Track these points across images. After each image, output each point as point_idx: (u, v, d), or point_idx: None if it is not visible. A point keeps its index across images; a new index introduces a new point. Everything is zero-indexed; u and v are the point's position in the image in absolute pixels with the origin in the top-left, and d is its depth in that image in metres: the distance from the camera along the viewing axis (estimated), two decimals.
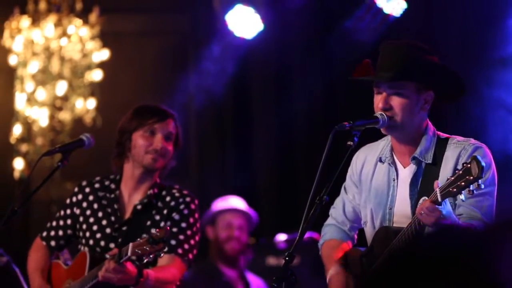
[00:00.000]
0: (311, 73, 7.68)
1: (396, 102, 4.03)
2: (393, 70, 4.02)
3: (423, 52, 4.09)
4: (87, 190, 4.98)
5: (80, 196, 4.98)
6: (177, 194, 4.85)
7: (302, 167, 7.74)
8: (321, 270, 4.33)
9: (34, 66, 8.29)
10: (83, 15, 8.35)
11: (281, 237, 7.20)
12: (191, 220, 4.81)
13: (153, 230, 4.33)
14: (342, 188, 4.39)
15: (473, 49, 6.56)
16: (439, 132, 4.16)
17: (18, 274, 4.96)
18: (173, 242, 4.70)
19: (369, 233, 4.23)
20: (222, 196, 7.28)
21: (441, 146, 4.08)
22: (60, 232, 4.98)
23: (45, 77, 8.29)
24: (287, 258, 3.77)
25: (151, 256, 4.30)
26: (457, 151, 4.03)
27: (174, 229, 4.76)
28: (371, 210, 4.20)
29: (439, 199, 3.73)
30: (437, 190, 3.73)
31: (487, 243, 1.97)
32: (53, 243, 4.98)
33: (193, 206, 4.84)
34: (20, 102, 8.29)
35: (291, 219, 6.89)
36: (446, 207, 3.77)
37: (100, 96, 8.24)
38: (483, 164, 3.62)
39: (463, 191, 3.66)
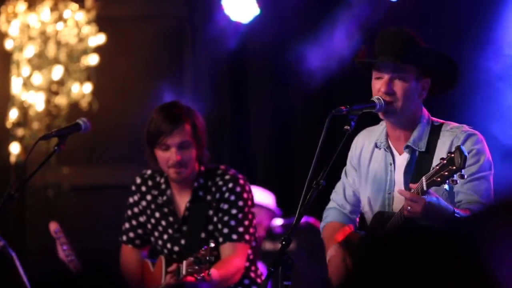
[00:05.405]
0: (308, 58, 7.66)
1: (399, 86, 4.02)
2: (397, 53, 4.01)
3: (419, 39, 4.10)
4: (143, 189, 5.07)
5: (138, 196, 5.08)
6: (220, 183, 4.90)
7: (299, 152, 7.73)
8: (318, 254, 4.33)
9: (30, 50, 8.25)
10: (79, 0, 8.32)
11: (278, 221, 7.19)
12: (240, 203, 4.86)
13: (201, 251, 4.36)
14: (343, 171, 4.40)
15: (468, 36, 6.53)
16: (433, 118, 4.15)
17: (14, 258, 4.96)
18: (225, 230, 4.77)
19: (367, 218, 4.23)
20: None
21: (434, 133, 4.08)
22: (139, 231, 5.08)
23: (41, 62, 8.26)
24: (283, 243, 3.78)
25: (202, 275, 4.35)
26: (450, 139, 4.02)
27: (225, 218, 4.83)
28: (369, 195, 4.20)
29: (425, 188, 3.72)
30: (423, 178, 3.73)
31: (482, 229, 1.90)
32: (138, 242, 5.09)
33: (238, 189, 4.87)
34: (16, 86, 8.26)
35: (288, 203, 6.89)
36: (432, 195, 3.76)
37: (96, 81, 8.20)
38: (466, 154, 3.61)
39: (447, 181, 3.65)
